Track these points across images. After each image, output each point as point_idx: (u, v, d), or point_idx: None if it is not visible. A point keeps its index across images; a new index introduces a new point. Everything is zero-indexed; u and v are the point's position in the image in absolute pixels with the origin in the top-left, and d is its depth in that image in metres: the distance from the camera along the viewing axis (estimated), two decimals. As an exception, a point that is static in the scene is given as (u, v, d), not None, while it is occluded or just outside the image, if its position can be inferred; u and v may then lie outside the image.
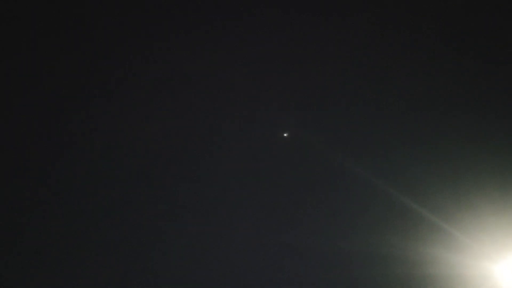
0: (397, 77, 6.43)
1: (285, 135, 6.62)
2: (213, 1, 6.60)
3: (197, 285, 6.25)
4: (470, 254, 5.88)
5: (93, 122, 6.62)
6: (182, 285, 6.25)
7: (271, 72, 6.63)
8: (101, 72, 6.69)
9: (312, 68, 6.55)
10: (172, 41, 6.65)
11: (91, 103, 6.68)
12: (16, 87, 6.62)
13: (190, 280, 6.26)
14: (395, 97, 6.40)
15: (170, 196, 6.57)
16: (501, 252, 5.86)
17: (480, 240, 5.87)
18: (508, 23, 6.25)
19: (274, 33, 6.60)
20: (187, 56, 6.63)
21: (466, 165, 6.03)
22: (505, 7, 6.25)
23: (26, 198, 6.51)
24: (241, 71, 6.60)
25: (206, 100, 6.63)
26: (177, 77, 6.64)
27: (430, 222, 5.95)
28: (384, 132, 6.37)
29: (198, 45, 6.64)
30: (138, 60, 6.68)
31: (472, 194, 5.93)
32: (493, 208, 5.87)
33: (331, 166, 6.33)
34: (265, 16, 6.58)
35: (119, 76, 6.69)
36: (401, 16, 6.48)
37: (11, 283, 6.18)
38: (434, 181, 6.07)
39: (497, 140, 6.07)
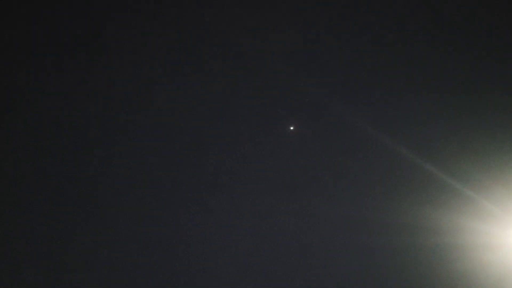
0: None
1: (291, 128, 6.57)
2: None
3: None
4: (498, 223, 5.81)
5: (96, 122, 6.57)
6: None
7: (274, 68, 6.57)
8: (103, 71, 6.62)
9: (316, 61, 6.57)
10: (177, 39, 6.64)
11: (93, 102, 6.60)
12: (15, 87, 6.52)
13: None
14: (418, 65, 6.35)
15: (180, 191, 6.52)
16: (530, 221, 5.80)
17: (509, 209, 5.79)
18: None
19: (277, 29, 6.61)
20: (193, 53, 6.63)
21: (496, 134, 5.97)
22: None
23: (25, 198, 6.36)
24: (245, 66, 6.59)
25: (211, 95, 6.59)
26: (183, 75, 6.63)
27: (459, 191, 5.87)
28: (411, 102, 6.29)
29: (205, 42, 6.65)
30: (142, 58, 6.66)
31: (501, 163, 5.86)
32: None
33: (357, 136, 6.24)
34: (270, 12, 6.63)
35: (121, 74, 6.62)
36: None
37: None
38: (463, 150, 5.98)
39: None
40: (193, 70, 6.63)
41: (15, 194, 6.31)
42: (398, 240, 5.90)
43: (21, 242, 6.17)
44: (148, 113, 6.58)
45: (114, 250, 6.27)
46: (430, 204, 5.91)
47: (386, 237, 5.94)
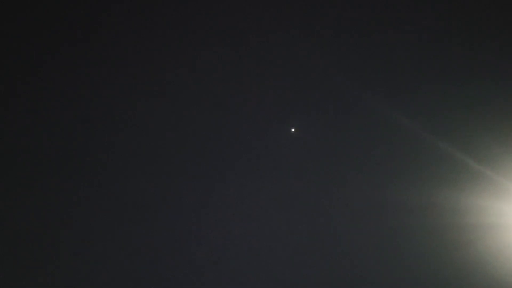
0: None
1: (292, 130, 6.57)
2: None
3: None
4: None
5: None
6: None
7: (275, 71, 6.59)
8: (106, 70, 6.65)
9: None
10: (180, 39, 6.64)
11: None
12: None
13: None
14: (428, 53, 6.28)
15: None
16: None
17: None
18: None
19: (278, 31, 6.56)
20: (196, 55, 6.61)
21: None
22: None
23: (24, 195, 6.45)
24: (246, 69, 6.59)
25: (213, 97, 6.60)
26: (186, 74, 6.62)
27: (480, 172, 5.83)
28: (429, 84, 6.22)
29: (207, 43, 6.62)
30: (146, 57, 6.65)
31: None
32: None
33: (382, 120, 6.21)
34: (272, 13, 6.57)
35: (125, 75, 6.64)
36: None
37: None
38: (483, 130, 5.90)
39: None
40: (196, 70, 6.62)
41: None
42: (419, 221, 5.91)
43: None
44: (148, 113, 6.62)
45: (112, 249, 6.41)
46: (451, 185, 5.88)
47: (407, 218, 5.95)
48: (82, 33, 6.60)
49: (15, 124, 6.47)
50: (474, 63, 6.11)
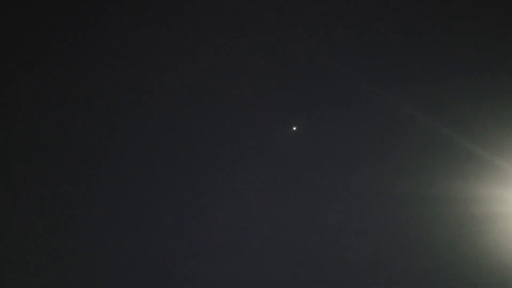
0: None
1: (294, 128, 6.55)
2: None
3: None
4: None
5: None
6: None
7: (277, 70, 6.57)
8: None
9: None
10: (180, 39, 6.62)
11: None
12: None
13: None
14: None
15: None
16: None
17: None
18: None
19: (280, 30, 6.57)
20: (196, 54, 6.62)
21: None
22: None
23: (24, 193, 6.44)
24: (249, 68, 6.57)
25: (214, 97, 6.59)
26: (187, 74, 6.61)
27: (488, 160, 5.82)
28: (436, 77, 6.21)
29: (208, 43, 6.62)
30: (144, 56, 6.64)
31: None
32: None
33: (384, 114, 6.22)
34: (273, 13, 6.58)
35: (125, 75, 6.62)
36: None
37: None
38: (492, 119, 5.91)
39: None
40: (196, 69, 6.60)
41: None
42: (432, 211, 5.90)
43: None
44: (149, 113, 6.60)
45: (112, 249, 6.38)
46: (460, 175, 5.87)
47: (419, 209, 5.95)
48: (81, 32, 6.61)
49: (15, 124, 6.46)
50: (472, 57, 6.11)
